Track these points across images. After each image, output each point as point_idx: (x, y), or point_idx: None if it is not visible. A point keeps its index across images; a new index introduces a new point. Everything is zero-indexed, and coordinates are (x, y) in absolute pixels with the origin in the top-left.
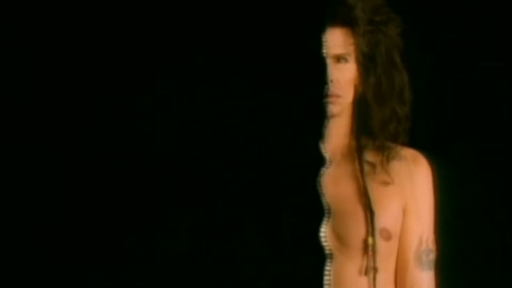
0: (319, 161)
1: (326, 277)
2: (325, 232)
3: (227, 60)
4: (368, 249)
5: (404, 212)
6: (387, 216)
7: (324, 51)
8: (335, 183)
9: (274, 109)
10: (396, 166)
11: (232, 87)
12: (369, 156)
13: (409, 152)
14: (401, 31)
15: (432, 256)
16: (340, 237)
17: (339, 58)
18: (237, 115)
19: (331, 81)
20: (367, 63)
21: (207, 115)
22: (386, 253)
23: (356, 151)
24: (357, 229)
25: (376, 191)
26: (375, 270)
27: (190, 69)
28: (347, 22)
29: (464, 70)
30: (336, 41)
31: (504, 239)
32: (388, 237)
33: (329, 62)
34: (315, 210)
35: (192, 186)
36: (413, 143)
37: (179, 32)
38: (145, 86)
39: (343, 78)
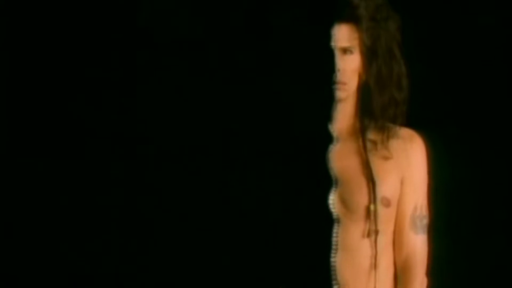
0: (328, 139)
1: (333, 239)
2: (333, 199)
3: (253, 55)
4: (370, 215)
5: (402, 183)
6: (387, 186)
7: (332, 44)
8: (342, 158)
9: (291, 95)
10: (394, 144)
11: (256, 77)
12: (371, 135)
13: (406, 132)
14: (399, 26)
15: (425, 221)
16: (346, 204)
17: (345, 50)
18: (263, 100)
19: (339, 70)
20: (370, 55)
21: (230, 96)
22: (385, 218)
23: (360, 131)
24: (360, 197)
25: (377, 165)
26: (376, 232)
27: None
28: (352, 19)
29: (455, 60)
30: (342, 35)
31: (489, 206)
32: (387, 204)
33: (337, 53)
34: (325, 181)
35: (213, 161)
36: (409, 124)
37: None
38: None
39: (348, 68)
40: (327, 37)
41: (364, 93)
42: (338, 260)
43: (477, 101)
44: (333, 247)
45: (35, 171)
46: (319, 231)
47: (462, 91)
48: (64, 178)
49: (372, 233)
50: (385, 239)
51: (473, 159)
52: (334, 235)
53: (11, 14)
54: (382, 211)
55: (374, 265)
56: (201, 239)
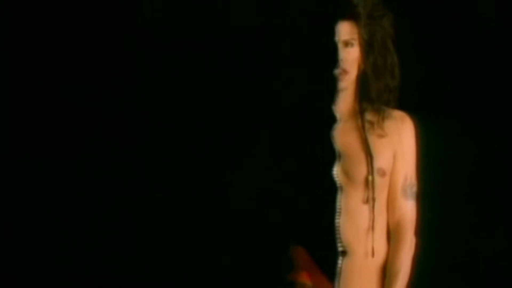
0: (333, 120)
1: (337, 204)
2: (336, 171)
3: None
4: (368, 184)
5: (394, 157)
6: (382, 159)
7: (336, 38)
8: (344, 136)
9: (301, 84)
10: (388, 124)
11: (274, 71)
12: (369, 116)
13: (398, 114)
14: (392, 23)
15: (414, 189)
16: (347, 175)
17: (346, 43)
18: (280, 88)
19: (341, 59)
20: (367, 47)
21: (251, 79)
22: (381, 186)
23: (359, 113)
24: (360, 169)
25: (374, 142)
26: (373, 199)
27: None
28: (352, 16)
29: (442, 50)
30: (344, 30)
31: (470, 174)
32: (383, 174)
33: (340, 46)
34: (330, 155)
35: (238, 138)
36: (401, 107)
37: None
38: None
39: (350, 57)
40: (332, 34)
41: (362, 80)
42: (341, 222)
43: (460, 88)
44: (337, 211)
45: (34, 170)
46: (325, 198)
47: (447, 79)
48: (63, 177)
49: (370, 199)
50: (380, 205)
51: (456, 135)
52: (337, 201)
53: (12, 14)
54: (378, 180)
55: (372, 226)
56: (220, 204)
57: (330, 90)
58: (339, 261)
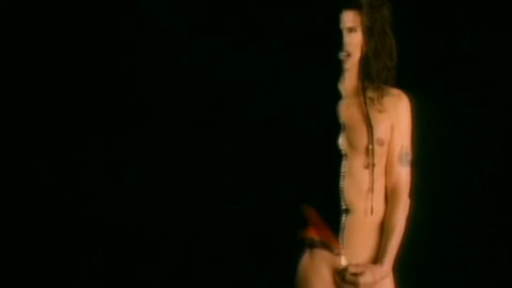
0: (338, 96)
1: (342, 169)
2: (341, 140)
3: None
4: (369, 152)
5: (392, 129)
6: (381, 130)
7: (341, 25)
8: (348, 110)
9: (311, 65)
10: (387, 100)
11: (284, 58)
12: (370, 93)
13: (395, 91)
14: (391, 11)
15: (409, 157)
16: (351, 144)
17: (350, 30)
18: (290, 74)
19: (346, 44)
20: (368, 33)
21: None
22: (380, 154)
23: (361, 90)
24: (362, 139)
25: (374, 115)
26: (373, 165)
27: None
28: (356, 6)
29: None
30: (348, 18)
31: (458, 144)
32: (382, 143)
33: (344, 32)
34: (335, 126)
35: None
36: (398, 85)
37: None
38: None
39: (353, 42)
40: (338, 20)
41: (364, 62)
42: (345, 184)
43: (450, 68)
44: (342, 175)
45: (34, 168)
46: (331, 163)
47: (441, 56)
48: (62, 175)
49: (371, 165)
50: (379, 170)
51: (446, 111)
52: (342, 166)
53: (12, 12)
54: (377, 149)
55: (371, 188)
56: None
57: (336, 70)
58: (343, 218)
